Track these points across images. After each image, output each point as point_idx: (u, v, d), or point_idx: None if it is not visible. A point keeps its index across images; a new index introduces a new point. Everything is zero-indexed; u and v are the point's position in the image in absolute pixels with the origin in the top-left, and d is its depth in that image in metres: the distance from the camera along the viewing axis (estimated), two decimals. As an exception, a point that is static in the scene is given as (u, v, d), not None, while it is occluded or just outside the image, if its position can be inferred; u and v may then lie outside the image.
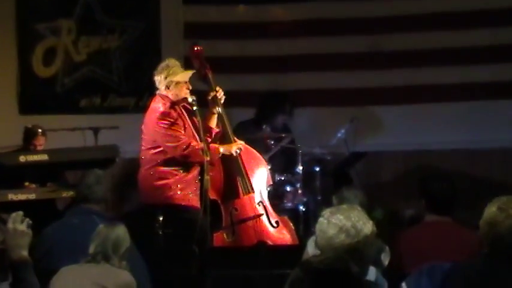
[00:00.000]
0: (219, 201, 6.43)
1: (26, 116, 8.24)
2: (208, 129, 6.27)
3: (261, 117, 7.74)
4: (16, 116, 8.34)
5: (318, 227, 3.53)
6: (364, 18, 8.37)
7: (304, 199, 7.31)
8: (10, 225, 3.68)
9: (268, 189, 6.61)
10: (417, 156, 8.28)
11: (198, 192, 6.17)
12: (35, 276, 3.72)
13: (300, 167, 7.27)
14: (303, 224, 7.15)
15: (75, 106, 8.44)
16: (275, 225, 6.47)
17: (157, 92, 6.23)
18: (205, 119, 6.28)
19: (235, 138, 6.50)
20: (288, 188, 7.29)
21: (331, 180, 7.58)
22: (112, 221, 5.07)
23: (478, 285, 3.79)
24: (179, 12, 8.52)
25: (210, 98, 6.34)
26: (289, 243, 6.43)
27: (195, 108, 6.09)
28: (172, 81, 6.14)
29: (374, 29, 8.33)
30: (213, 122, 6.37)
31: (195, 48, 6.61)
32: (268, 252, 6.09)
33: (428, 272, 4.50)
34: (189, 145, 6.07)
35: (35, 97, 8.49)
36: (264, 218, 6.46)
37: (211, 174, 6.13)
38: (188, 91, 6.14)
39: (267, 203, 6.53)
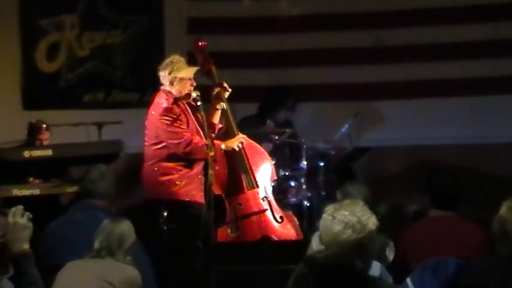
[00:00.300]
0: (223, 196, 6.41)
1: (30, 111, 8.23)
2: (211, 125, 6.27)
3: (264, 112, 7.75)
4: (20, 111, 8.32)
5: (322, 223, 3.51)
6: (367, 13, 8.34)
7: (308, 194, 7.29)
8: (10, 219, 3.70)
9: (273, 184, 6.61)
10: (421, 151, 8.26)
11: (202, 187, 6.16)
12: (36, 269, 3.74)
13: (304, 162, 7.25)
14: (307, 219, 7.12)
15: (79, 101, 8.43)
16: (279, 220, 6.46)
17: (162, 87, 6.23)
18: (208, 114, 6.27)
19: (239, 132, 6.50)
20: (292, 183, 7.27)
21: (335, 175, 7.58)
22: (116, 216, 5.08)
23: (491, 284, 3.79)
24: (183, 7, 8.51)
25: (214, 93, 6.34)
26: (293, 238, 6.41)
27: (199, 103, 6.09)
28: (176, 77, 6.13)
29: (377, 24, 8.31)
30: (216, 118, 6.36)
31: (199, 43, 6.59)
32: (272, 248, 6.10)
33: (433, 267, 4.48)
34: (191, 142, 6.05)
35: (39, 92, 8.48)
36: (268, 213, 6.45)
37: (216, 168, 6.13)
38: (192, 88, 6.14)
39: (271, 198, 6.51)
